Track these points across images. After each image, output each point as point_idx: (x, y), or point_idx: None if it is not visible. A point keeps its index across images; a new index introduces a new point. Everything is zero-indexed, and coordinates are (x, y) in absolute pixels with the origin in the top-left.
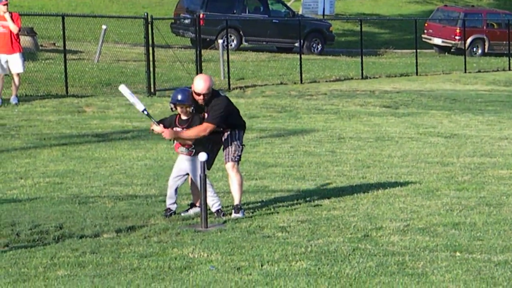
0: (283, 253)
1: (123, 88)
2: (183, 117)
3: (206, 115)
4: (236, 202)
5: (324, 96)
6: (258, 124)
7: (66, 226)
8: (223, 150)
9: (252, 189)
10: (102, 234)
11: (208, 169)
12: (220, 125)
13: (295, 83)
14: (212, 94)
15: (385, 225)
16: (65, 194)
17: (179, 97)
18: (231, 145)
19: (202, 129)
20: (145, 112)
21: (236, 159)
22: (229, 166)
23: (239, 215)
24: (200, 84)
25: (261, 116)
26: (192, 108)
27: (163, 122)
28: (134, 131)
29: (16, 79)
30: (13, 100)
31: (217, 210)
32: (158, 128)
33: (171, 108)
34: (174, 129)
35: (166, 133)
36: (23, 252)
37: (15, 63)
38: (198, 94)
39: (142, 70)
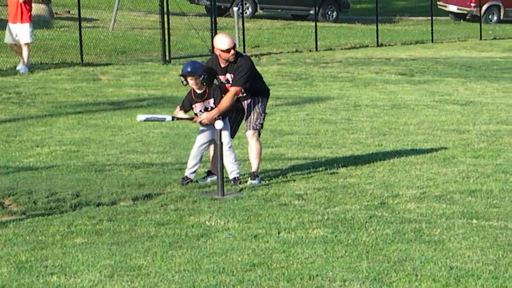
0: (300, 220)
1: (141, 118)
2: (198, 91)
3: (229, 77)
4: (254, 169)
5: (339, 63)
6: (274, 92)
7: (83, 194)
8: (245, 118)
9: (268, 157)
10: (119, 202)
11: (232, 137)
12: (247, 86)
13: (310, 50)
14: (236, 54)
15: (402, 193)
16: (82, 162)
17: (189, 68)
18: (253, 112)
19: (232, 95)
20: (175, 119)
21: (257, 127)
22: (250, 134)
23: (256, 181)
24: (224, 40)
25: (276, 84)
26: (202, 77)
27: (183, 107)
28: (150, 99)
29: (24, 49)
30: (19, 68)
31: (234, 178)
32: (195, 119)
33: (182, 82)
34: (196, 105)
35: (205, 118)
36: (40, 220)
37: (21, 33)
38: (228, 51)
39: (157, 38)
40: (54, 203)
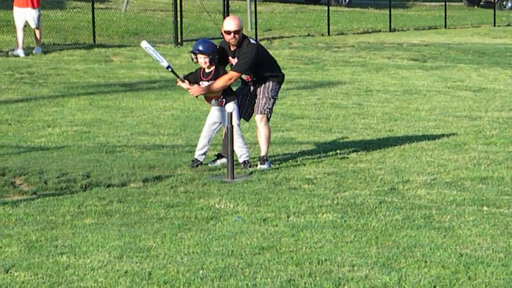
0: (309, 205)
1: (145, 44)
2: (207, 70)
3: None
4: (263, 153)
5: (351, 48)
6: (285, 76)
7: (93, 175)
8: (255, 102)
9: (278, 141)
10: (129, 183)
11: (247, 120)
12: (247, 73)
13: (322, 35)
14: (243, 39)
15: (412, 179)
16: (92, 143)
17: (200, 46)
18: (261, 97)
19: (228, 78)
20: (170, 69)
21: (265, 112)
22: (258, 118)
23: (265, 166)
24: (230, 22)
25: (288, 68)
26: (211, 57)
27: (188, 77)
28: (161, 81)
29: (36, 32)
30: (35, 50)
31: (244, 161)
32: (184, 85)
33: (192, 59)
34: (201, 83)
35: (194, 90)
36: (51, 200)
37: (30, 18)
38: (229, 33)
39: (169, 20)
40: (64, 184)
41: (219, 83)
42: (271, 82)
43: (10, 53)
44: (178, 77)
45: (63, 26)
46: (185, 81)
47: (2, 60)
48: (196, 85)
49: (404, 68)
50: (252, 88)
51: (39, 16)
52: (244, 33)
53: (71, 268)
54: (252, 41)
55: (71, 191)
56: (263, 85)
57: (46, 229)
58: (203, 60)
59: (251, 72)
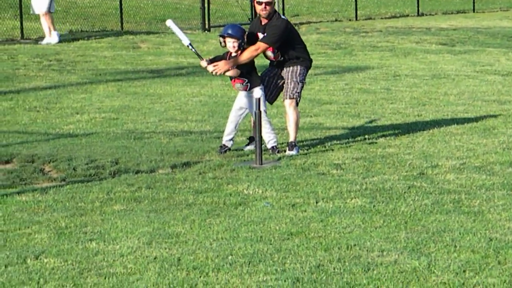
0: (338, 190)
1: (170, 23)
2: (234, 54)
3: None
4: (291, 139)
5: (379, 33)
6: (313, 61)
7: (122, 161)
8: (284, 87)
9: (307, 126)
10: (157, 169)
11: (271, 103)
12: (274, 47)
13: (350, 20)
14: (274, 13)
15: (441, 163)
16: (121, 129)
17: (229, 30)
18: (290, 81)
19: (254, 49)
20: (190, 47)
21: (294, 96)
22: (287, 103)
23: (293, 152)
24: None
25: (315, 53)
26: (240, 41)
27: (214, 59)
28: (189, 67)
29: (41, 19)
30: (50, 40)
31: (272, 147)
32: (204, 64)
33: (220, 42)
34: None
35: (220, 66)
36: (80, 186)
37: (36, 2)
38: (260, 3)
39: (196, 6)
40: (93, 170)
41: (246, 54)
42: (299, 66)
43: (44, 43)
44: (199, 56)
45: (91, 13)
46: (204, 59)
47: (31, 48)
48: (222, 61)
49: (432, 53)
50: (278, 70)
51: (50, 1)
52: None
53: (100, 254)
54: (283, 17)
55: (100, 178)
56: (291, 69)
57: (75, 216)
58: (231, 44)
59: (280, 52)
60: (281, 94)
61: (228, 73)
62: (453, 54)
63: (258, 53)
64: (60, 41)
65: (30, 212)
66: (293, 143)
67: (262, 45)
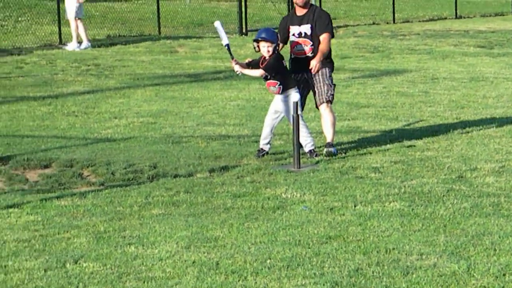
0: (376, 193)
1: (218, 24)
2: (267, 58)
3: (304, 30)
4: (329, 140)
5: (417, 36)
6: (351, 65)
7: (160, 166)
8: (316, 91)
9: (344, 130)
10: (195, 173)
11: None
12: (332, 35)
13: (387, 23)
14: (310, 4)
15: (480, 166)
16: (159, 134)
17: (263, 34)
18: (322, 85)
19: (328, 39)
20: (227, 48)
21: (330, 99)
22: (324, 106)
23: (332, 149)
24: None
25: (353, 57)
26: (275, 45)
27: (250, 63)
28: (227, 71)
29: (71, 24)
30: (74, 47)
31: (310, 150)
32: (233, 63)
33: (254, 48)
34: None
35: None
36: (118, 191)
37: (67, 8)
38: None
39: (234, 10)
40: (132, 174)
41: (325, 46)
42: (327, 68)
43: (67, 48)
44: (231, 55)
45: (129, 17)
46: (233, 60)
47: (69, 53)
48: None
49: (470, 55)
50: (303, 75)
51: (79, 6)
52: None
53: (139, 258)
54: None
55: (138, 182)
56: (320, 72)
57: (114, 220)
58: (266, 49)
59: (314, 46)
60: (310, 98)
61: (256, 73)
62: (491, 57)
63: (329, 45)
64: (85, 48)
65: (69, 217)
66: (331, 143)
67: (328, 35)
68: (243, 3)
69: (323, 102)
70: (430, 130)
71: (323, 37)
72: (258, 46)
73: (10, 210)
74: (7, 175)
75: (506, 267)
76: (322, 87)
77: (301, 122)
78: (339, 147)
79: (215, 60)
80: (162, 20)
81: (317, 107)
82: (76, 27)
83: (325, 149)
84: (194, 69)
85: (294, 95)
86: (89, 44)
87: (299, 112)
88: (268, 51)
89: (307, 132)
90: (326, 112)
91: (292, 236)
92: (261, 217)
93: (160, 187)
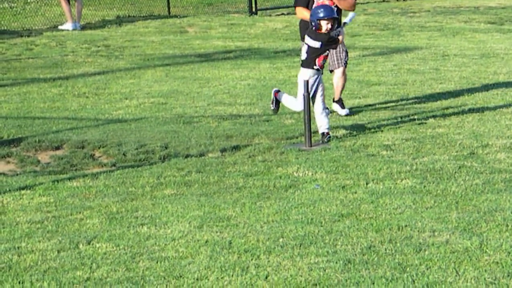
0: (388, 171)
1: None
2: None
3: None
4: (338, 98)
5: (427, 13)
6: (361, 43)
7: (172, 146)
8: (335, 55)
9: (355, 108)
10: (207, 153)
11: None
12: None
13: (397, 0)
14: None
15: (492, 143)
16: (170, 114)
17: (329, 11)
18: (342, 50)
19: (354, 2)
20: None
21: (346, 64)
22: (341, 70)
23: (346, 111)
24: None
25: (363, 34)
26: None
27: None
28: (237, 50)
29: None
30: (69, 26)
31: (323, 133)
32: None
33: (318, 26)
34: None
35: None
36: (130, 171)
37: None
38: None
39: None
40: (143, 155)
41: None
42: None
43: (59, 27)
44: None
45: None
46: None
47: (79, 34)
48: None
49: (481, 32)
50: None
51: None
52: None
53: (152, 238)
54: None
55: (150, 163)
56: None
57: (126, 201)
58: (328, 26)
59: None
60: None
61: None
62: (502, 33)
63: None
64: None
65: (81, 198)
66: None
67: None
68: None
69: (342, 65)
70: (441, 107)
71: (350, 2)
72: (319, 25)
73: (23, 192)
74: (19, 157)
75: None
76: (342, 52)
77: (320, 102)
78: (350, 125)
79: (225, 40)
80: (172, 0)
81: (331, 70)
82: (64, 7)
83: (340, 111)
84: (204, 49)
85: (305, 73)
86: (76, 25)
87: (320, 93)
88: (331, 28)
89: (324, 113)
90: (343, 75)
91: (304, 215)
92: (273, 196)
93: (172, 167)
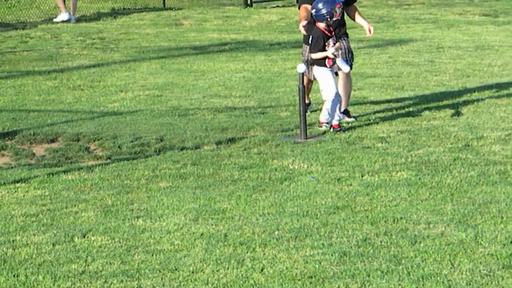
0: (383, 163)
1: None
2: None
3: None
4: (346, 107)
5: (422, 5)
6: (356, 35)
7: (167, 138)
8: (345, 56)
9: (351, 100)
10: (202, 146)
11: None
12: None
13: None
14: None
15: (486, 135)
16: (165, 106)
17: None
18: (349, 52)
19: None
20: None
21: (352, 65)
22: (349, 72)
23: (353, 119)
24: None
25: (358, 27)
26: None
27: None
28: (232, 43)
29: None
30: (65, 17)
31: (323, 123)
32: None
33: (328, 17)
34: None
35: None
36: (126, 164)
37: None
38: None
39: None
40: (138, 148)
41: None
42: (347, 37)
43: (54, 20)
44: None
45: None
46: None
47: (74, 26)
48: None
49: (475, 24)
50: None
51: None
52: None
53: (147, 231)
54: None
55: (145, 155)
56: (347, 39)
57: (121, 193)
58: (338, 11)
59: (341, 16)
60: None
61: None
62: (496, 25)
63: None
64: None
65: (76, 191)
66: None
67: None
68: None
69: (351, 68)
70: (436, 99)
71: (356, 7)
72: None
73: (17, 184)
74: (14, 150)
75: None
76: (350, 53)
77: (333, 97)
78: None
79: (220, 32)
80: None
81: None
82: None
83: (347, 119)
84: (200, 41)
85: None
86: (70, 16)
87: (334, 89)
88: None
89: (333, 108)
90: (349, 78)
91: (299, 207)
92: (269, 189)
93: (167, 159)
